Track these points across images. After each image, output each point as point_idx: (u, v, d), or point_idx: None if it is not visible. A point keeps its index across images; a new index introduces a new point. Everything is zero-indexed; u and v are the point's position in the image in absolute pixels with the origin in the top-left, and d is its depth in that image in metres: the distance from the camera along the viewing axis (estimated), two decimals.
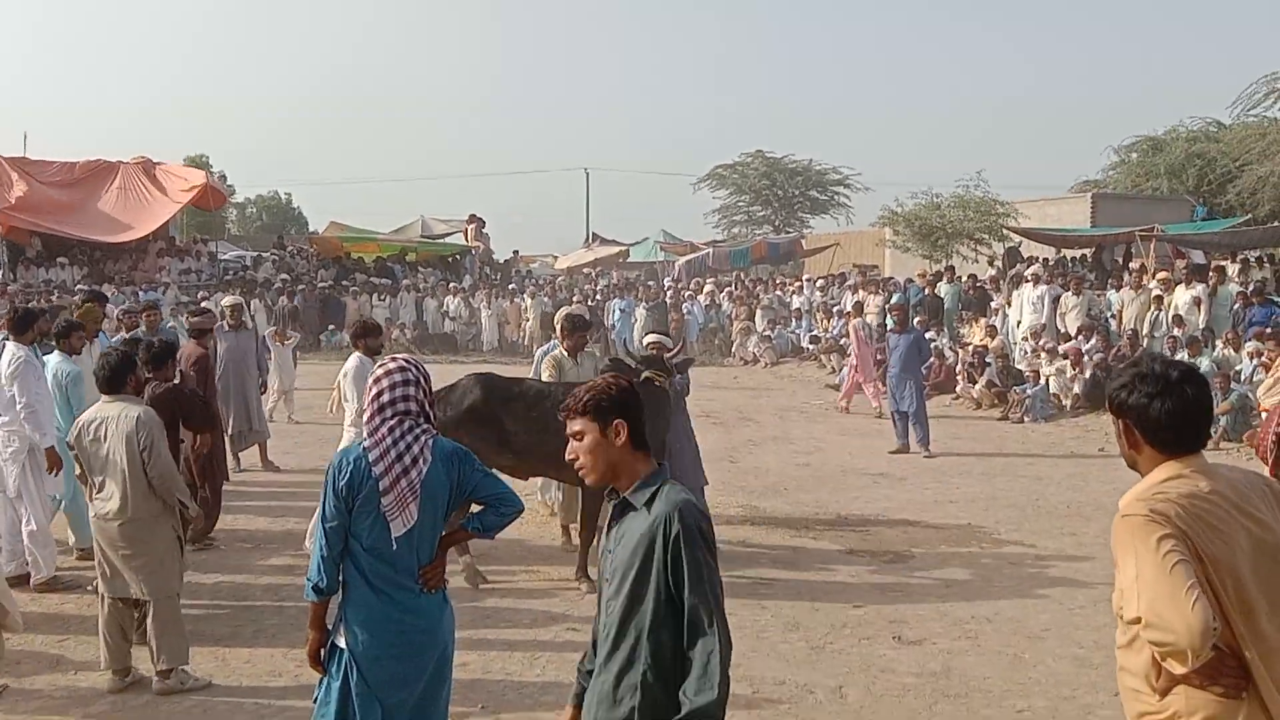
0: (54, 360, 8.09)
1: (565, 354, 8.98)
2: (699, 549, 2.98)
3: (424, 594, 3.95)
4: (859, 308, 20.30)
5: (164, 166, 33.10)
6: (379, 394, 3.96)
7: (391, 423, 3.92)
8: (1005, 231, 26.38)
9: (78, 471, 6.27)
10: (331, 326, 27.10)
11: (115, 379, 6.03)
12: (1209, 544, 2.63)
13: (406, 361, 4.07)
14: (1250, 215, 29.42)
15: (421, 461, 3.89)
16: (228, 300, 13.41)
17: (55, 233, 29.37)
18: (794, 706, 5.83)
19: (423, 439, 3.93)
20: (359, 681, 3.89)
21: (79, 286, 25.59)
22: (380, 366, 4.05)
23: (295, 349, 16.43)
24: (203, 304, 18.92)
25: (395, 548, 3.89)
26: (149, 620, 5.95)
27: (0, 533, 7.61)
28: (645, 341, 9.50)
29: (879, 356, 20.08)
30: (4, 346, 8.17)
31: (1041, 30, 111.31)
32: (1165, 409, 2.76)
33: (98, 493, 6.02)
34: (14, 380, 7.70)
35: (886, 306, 22.72)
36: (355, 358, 8.53)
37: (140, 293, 24.39)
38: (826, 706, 5.86)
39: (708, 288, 30.05)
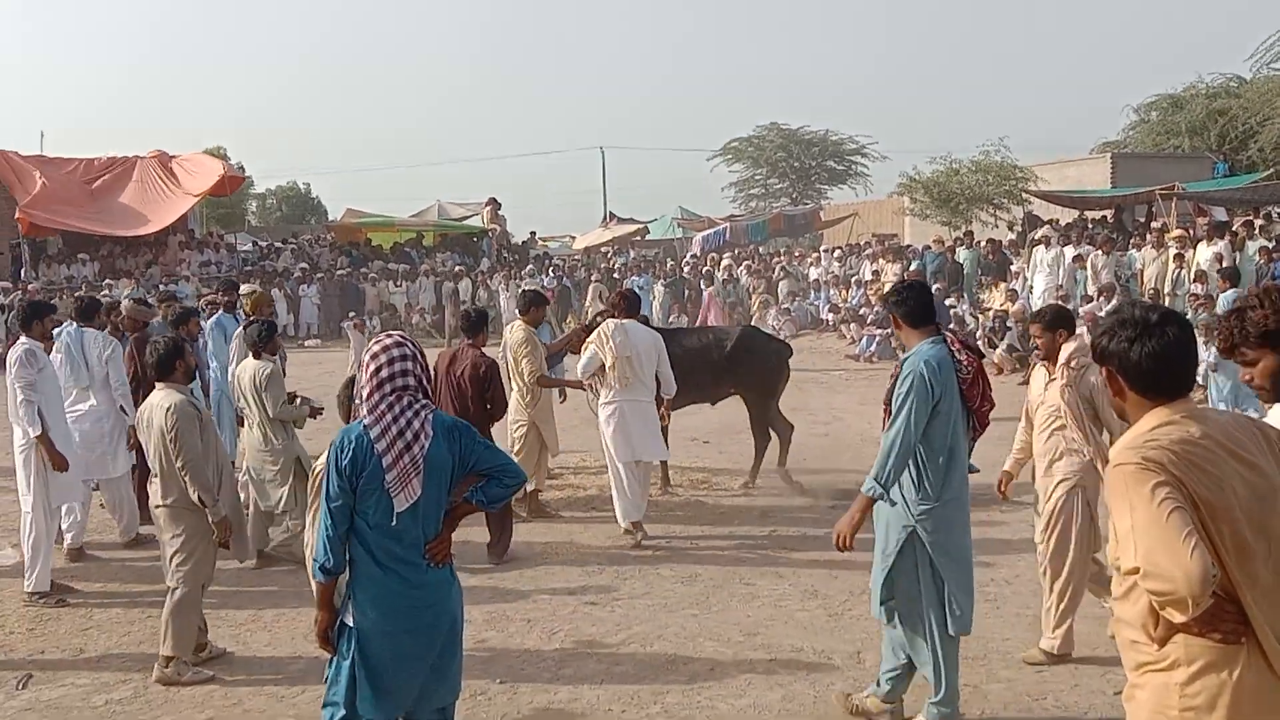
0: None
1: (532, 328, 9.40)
2: None
3: (430, 569, 3.96)
4: (877, 276, 20.21)
5: (180, 159, 33.23)
6: (377, 370, 3.94)
7: (391, 399, 3.92)
8: (1025, 196, 26.16)
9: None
10: (351, 313, 27.19)
11: (163, 366, 6.15)
12: (1203, 489, 2.58)
13: (402, 338, 4.07)
14: (1273, 170, 29.01)
15: (424, 437, 3.89)
16: (245, 289, 13.44)
17: (75, 229, 29.57)
18: (812, 673, 5.83)
19: (423, 414, 3.92)
20: (368, 659, 3.92)
21: (105, 282, 25.79)
22: (375, 343, 4.04)
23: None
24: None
25: (397, 523, 3.89)
26: (166, 604, 5.99)
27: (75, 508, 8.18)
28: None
29: None
30: (83, 334, 8.64)
31: None
32: (1146, 352, 2.72)
33: (154, 477, 6.13)
34: (107, 364, 8.52)
35: (905, 274, 22.63)
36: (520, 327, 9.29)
37: (162, 286, 24.52)
38: (845, 672, 5.85)
39: (725, 261, 29.96)
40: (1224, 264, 17.68)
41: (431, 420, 3.94)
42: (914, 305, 5.15)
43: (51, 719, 5.59)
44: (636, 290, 26.85)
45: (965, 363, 5.06)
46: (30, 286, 26.94)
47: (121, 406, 8.62)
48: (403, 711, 4.05)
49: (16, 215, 28.67)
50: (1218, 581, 2.49)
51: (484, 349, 8.26)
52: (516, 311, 9.77)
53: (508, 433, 9.15)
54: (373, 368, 3.96)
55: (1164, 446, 2.63)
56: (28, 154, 31.34)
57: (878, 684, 5.26)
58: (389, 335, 4.10)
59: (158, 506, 6.05)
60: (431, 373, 4.17)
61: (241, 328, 9.16)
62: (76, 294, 16.05)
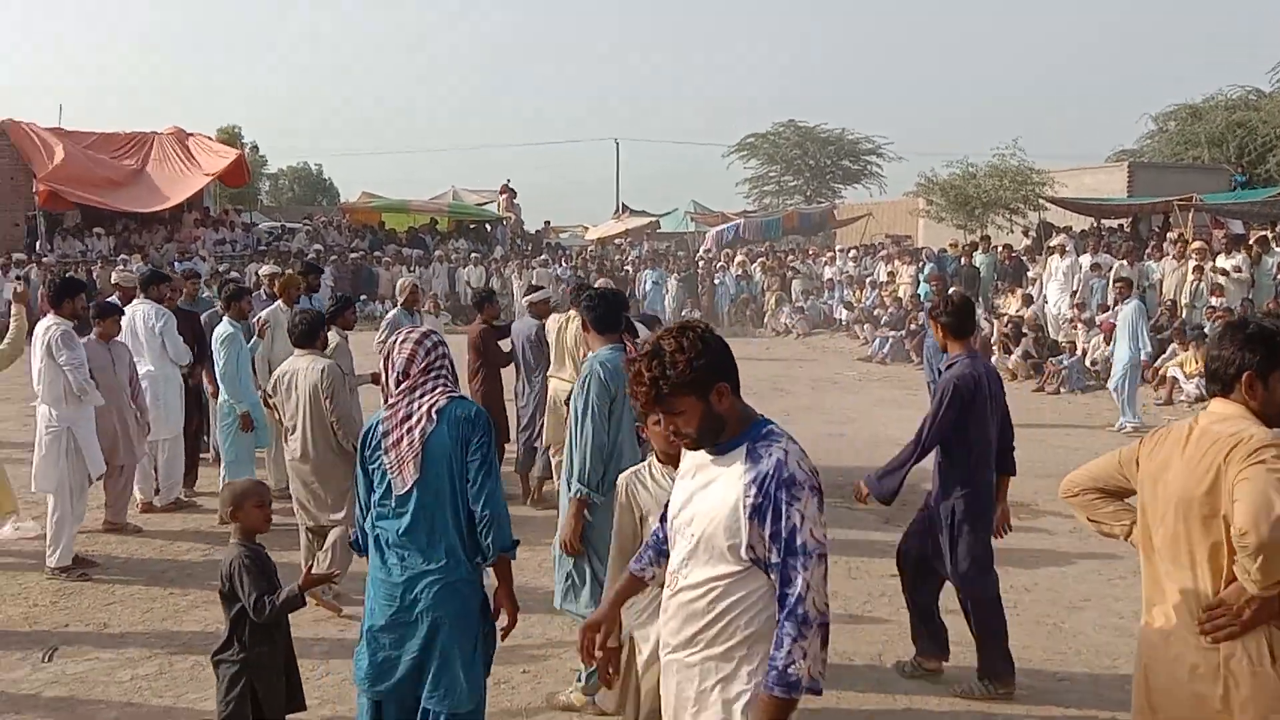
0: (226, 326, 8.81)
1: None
2: None
3: (436, 563, 3.95)
4: (892, 277, 20.21)
5: (197, 138, 33.28)
6: (394, 362, 4.05)
7: (405, 386, 4.01)
8: (1041, 201, 26.11)
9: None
10: (364, 296, 27.21)
11: (309, 334, 6.85)
12: None
13: (423, 332, 4.16)
14: None
15: (426, 421, 3.94)
16: (265, 270, 13.49)
17: (92, 203, 29.63)
18: (832, 674, 5.80)
19: (428, 400, 3.98)
20: (364, 631, 4.06)
21: (120, 257, 25.83)
22: (397, 336, 4.14)
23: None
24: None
25: (399, 506, 3.96)
26: (328, 538, 6.76)
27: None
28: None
29: (913, 326, 20.02)
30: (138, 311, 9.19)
31: None
32: None
33: (290, 435, 6.77)
34: (161, 335, 9.09)
35: (923, 277, 22.63)
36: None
37: (176, 263, 24.55)
38: (866, 675, 5.87)
39: (739, 258, 29.95)
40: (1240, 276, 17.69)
41: (439, 406, 3.97)
42: (956, 318, 5.48)
43: (78, 693, 5.63)
44: (652, 284, 27.04)
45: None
46: (45, 260, 27.03)
47: (187, 374, 9.46)
48: (389, 694, 4.02)
49: (36, 188, 28.72)
50: None
51: (492, 322, 10.06)
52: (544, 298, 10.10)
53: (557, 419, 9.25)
54: (394, 359, 4.06)
55: None
56: (47, 126, 31.38)
57: (580, 679, 5.41)
58: (412, 329, 4.21)
59: (307, 463, 6.70)
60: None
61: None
62: (104, 269, 16.11)
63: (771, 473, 2.83)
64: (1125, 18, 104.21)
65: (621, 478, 4.40)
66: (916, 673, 5.81)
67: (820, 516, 2.85)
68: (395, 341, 4.08)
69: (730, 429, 2.96)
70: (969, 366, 5.46)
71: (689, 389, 2.88)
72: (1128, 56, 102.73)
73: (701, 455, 3.02)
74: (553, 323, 9.31)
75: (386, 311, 16.21)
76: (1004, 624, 5.61)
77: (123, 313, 8.70)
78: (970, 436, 5.44)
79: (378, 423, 4.02)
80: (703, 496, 2.98)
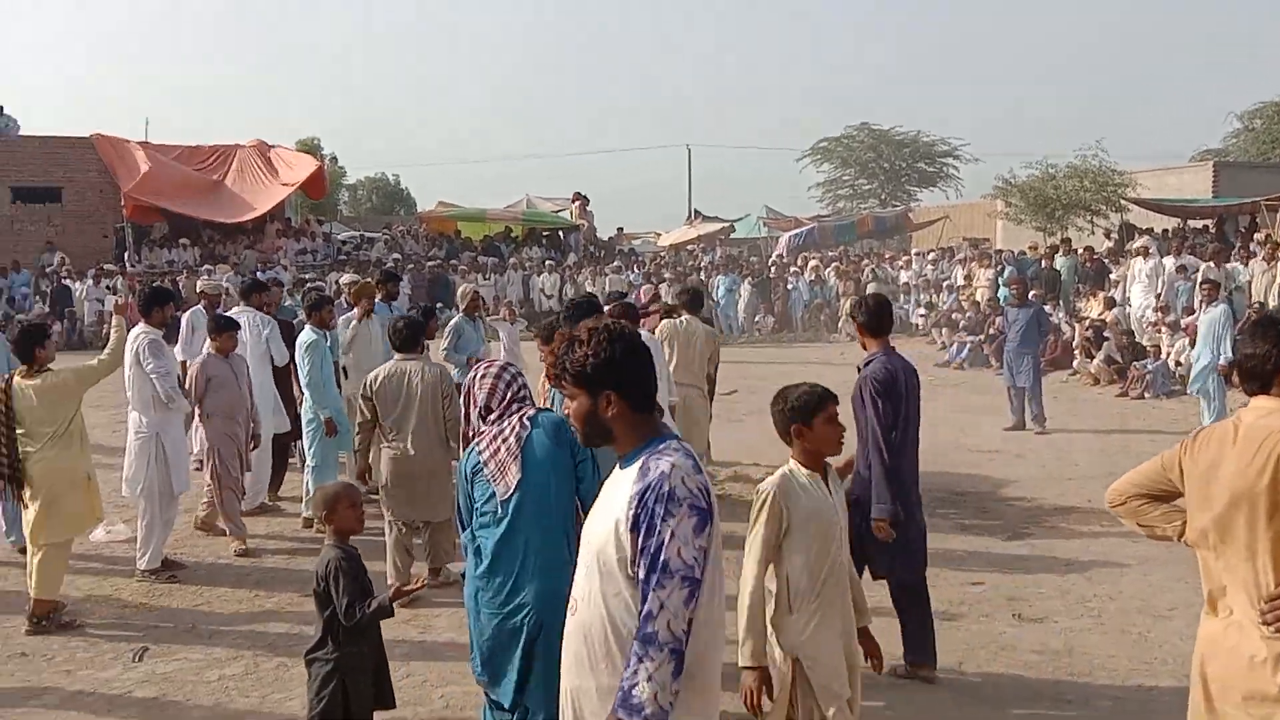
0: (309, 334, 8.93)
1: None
2: None
3: (538, 568, 4.00)
4: (969, 281, 19.91)
5: (278, 150, 33.99)
6: (475, 398, 4.21)
7: (491, 419, 4.16)
8: (1123, 202, 25.58)
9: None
10: (440, 304, 27.52)
11: (413, 339, 7.19)
12: None
13: (501, 365, 4.33)
14: None
15: (520, 428, 4.07)
16: (345, 279, 13.70)
17: (178, 213, 30.38)
18: (912, 683, 5.78)
19: (517, 416, 4.12)
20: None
21: (205, 268, 26.47)
22: (476, 371, 4.31)
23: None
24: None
25: (498, 512, 4.02)
26: (430, 533, 7.16)
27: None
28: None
29: (991, 331, 19.72)
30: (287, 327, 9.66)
31: None
32: None
33: (394, 435, 6.98)
34: (267, 342, 9.44)
35: (1002, 280, 22.26)
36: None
37: (259, 272, 25.08)
38: (947, 684, 5.80)
39: (812, 263, 29.75)
40: None
41: (529, 414, 4.12)
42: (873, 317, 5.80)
43: (168, 692, 5.78)
44: (723, 291, 26.97)
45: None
46: (128, 270, 27.80)
47: (295, 379, 9.51)
48: (498, 689, 4.08)
49: (123, 200, 29.54)
50: None
51: None
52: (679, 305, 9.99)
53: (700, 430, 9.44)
54: (476, 393, 4.21)
55: None
56: (134, 140, 32.28)
57: None
58: (490, 363, 4.37)
59: (415, 460, 6.95)
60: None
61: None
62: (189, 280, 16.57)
63: (653, 485, 2.73)
64: (1208, 14, 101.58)
65: (768, 483, 4.15)
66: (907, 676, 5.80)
67: (696, 539, 2.71)
68: (474, 377, 4.25)
69: (627, 441, 2.91)
70: (885, 363, 5.64)
71: (577, 383, 2.91)
72: (1212, 54, 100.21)
73: (616, 469, 2.96)
74: (667, 329, 9.32)
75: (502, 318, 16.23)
76: (930, 610, 5.84)
77: (239, 327, 8.75)
78: (890, 424, 5.57)
79: (474, 448, 4.13)
80: (600, 511, 2.93)
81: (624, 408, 2.89)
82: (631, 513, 2.75)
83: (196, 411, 8.37)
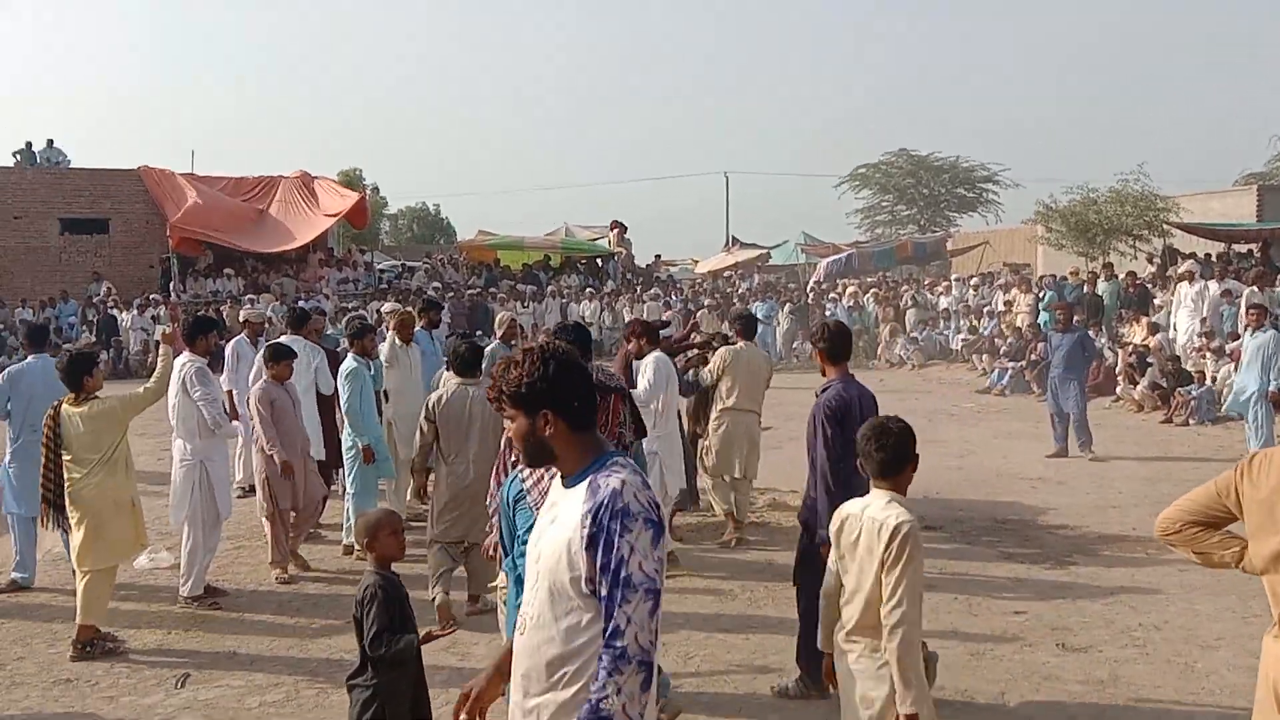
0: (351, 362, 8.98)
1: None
2: None
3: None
4: (1009, 306, 19.75)
5: (321, 181, 34.46)
6: None
7: None
8: (1165, 227, 25.31)
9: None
10: (480, 332, 27.71)
11: (474, 364, 7.28)
12: None
13: None
14: None
15: None
16: (387, 307, 13.85)
17: (223, 244, 30.85)
18: (955, 714, 5.71)
19: None
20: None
21: (248, 297, 26.82)
22: None
23: None
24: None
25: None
26: (469, 560, 7.16)
27: None
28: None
29: (1033, 356, 19.54)
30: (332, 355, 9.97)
31: (1200, 14, 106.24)
32: None
33: (455, 457, 7.10)
34: (315, 371, 9.67)
35: (1043, 306, 22.08)
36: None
37: (302, 301, 25.37)
38: (989, 714, 5.73)
39: (851, 289, 29.65)
40: None
41: None
42: (832, 343, 5.87)
43: (210, 718, 5.83)
44: (761, 317, 27.00)
45: None
46: (170, 300, 28.24)
47: (337, 406, 9.45)
48: None
49: (169, 232, 30.00)
50: None
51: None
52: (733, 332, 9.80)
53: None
54: None
55: None
56: (180, 171, 32.85)
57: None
58: None
59: (472, 483, 6.95)
60: None
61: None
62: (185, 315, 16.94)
63: (606, 502, 2.76)
64: (1250, 38, 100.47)
65: (902, 517, 3.98)
66: (801, 694, 5.82)
67: (654, 551, 2.77)
68: None
69: (569, 460, 2.95)
70: (840, 390, 5.73)
71: (515, 403, 2.94)
72: (1254, 77, 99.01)
73: (558, 488, 3.00)
74: (726, 356, 9.26)
75: None
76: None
77: (295, 355, 8.79)
78: (840, 454, 5.52)
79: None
80: (550, 531, 2.93)
81: (562, 426, 2.93)
82: (586, 531, 2.78)
83: (261, 437, 8.36)
